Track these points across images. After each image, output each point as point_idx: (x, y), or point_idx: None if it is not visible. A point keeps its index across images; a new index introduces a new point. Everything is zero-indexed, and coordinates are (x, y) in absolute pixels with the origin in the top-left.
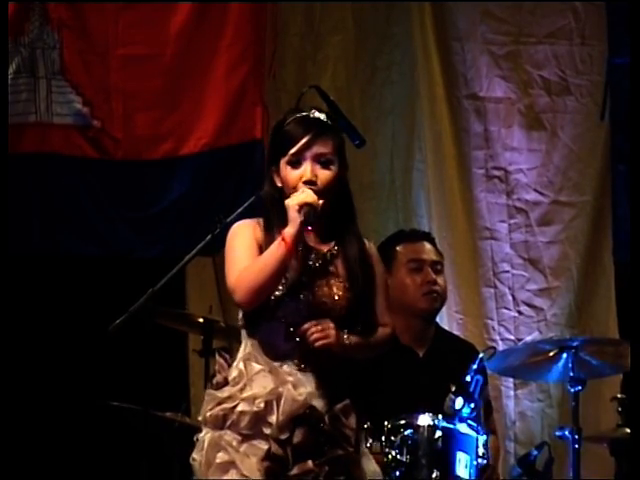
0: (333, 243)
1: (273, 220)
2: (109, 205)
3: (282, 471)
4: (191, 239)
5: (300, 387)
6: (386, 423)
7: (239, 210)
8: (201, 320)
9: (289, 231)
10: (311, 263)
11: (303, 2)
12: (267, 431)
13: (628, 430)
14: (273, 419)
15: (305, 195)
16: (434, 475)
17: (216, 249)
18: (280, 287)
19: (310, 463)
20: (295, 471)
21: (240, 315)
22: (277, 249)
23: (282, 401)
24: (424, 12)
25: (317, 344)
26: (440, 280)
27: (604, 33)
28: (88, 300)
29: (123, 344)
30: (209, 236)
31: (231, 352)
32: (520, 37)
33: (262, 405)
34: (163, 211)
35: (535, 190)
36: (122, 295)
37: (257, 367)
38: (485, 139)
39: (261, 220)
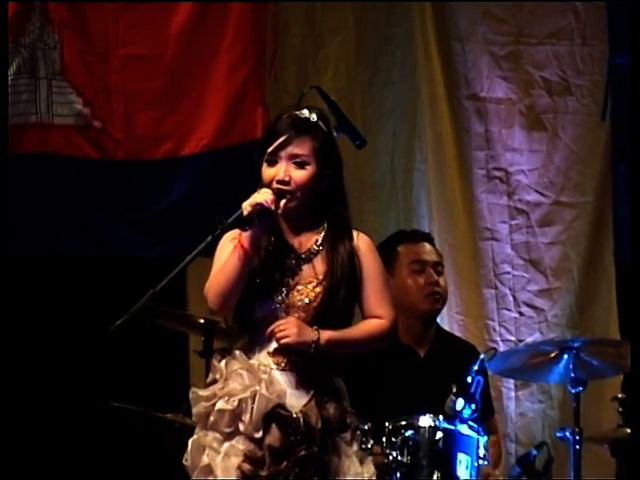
0: (318, 238)
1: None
2: (110, 205)
3: (258, 472)
4: (192, 240)
5: (274, 385)
6: (387, 424)
7: (240, 211)
8: (202, 321)
9: (243, 233)
10: (287, 263)
11: (304, 2)
12: (241, 428)
13: (629, 430)
14: (247, 417)
15: (258, 195)
16: (435, 476)
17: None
18: (255, 287)
19: (283, 464)
20: (267, 471)
21: None
22: (232, 252)
23: (256, 399)
24: (425, 12)
25: (279, 342)
26: (442, 281)
27: (605, 33)
28: (88, 301)
29: (123, 345)
30: (210, 237)
31: (231, 353)
32: (521, 37)
33: (236, 403)
34: (164, 211)
35: (536, 191)
36: (122, 296)
37: (235, 365)
38: (486, 140)
39: None
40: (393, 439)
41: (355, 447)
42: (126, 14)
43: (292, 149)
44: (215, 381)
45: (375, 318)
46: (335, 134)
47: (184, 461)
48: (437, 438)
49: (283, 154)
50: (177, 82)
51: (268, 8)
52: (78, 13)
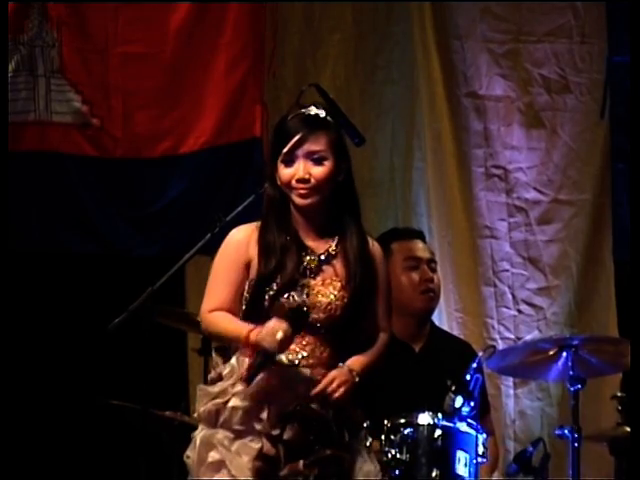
0: (334, 240)
1: (273, 220)
2: (108, 203)
3: (273, 471)
4: (190, 237)
5: (292, 382)
6: (386, 422)
7: (238, 209)
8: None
9: (257, 337)
10: (306, 264)
11: (303, 1)
12: (258, 427)
13: (628, 429)
14: (264, 415)
15: (268, 336)
16: (434, 474)
17: (215, 248)
18: (275, 286)
19: (300, 464)
20: (285, 472)
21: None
22: (237, 336)
23: (274, 397)
24: (424, 11)
25: (334, 398)
26: (435, 278)
27: (604, 31)
28: (87, 298)
29: (122, 343)
30: (208, 235)
31: (229, 350)
32: (520, 35)
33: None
34: (162, 209)
35: (535, 189)
36: (121, 294)
37: (248, 362)
38: (485, 137)
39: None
40: (392, 437)
41: (363, 443)
42: (125, 12)
43: (309, 146)
44: (220, 378)
45: (382, 331)
46: None
47: (185, 457)
48: (436, 436)
49: (300, 152)
50: (176, 80)
51: (267, 7)
52: (77, 11)
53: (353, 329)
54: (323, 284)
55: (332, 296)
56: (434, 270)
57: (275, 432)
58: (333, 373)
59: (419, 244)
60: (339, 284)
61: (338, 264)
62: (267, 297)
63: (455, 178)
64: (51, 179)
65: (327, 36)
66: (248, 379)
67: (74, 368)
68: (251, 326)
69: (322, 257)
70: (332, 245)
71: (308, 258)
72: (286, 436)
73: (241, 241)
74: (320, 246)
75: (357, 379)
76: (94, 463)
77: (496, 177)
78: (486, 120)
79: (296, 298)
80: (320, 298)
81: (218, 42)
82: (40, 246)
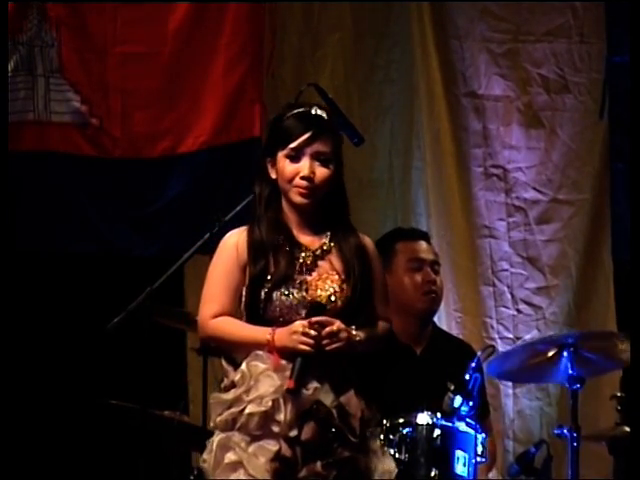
0: (327, 236)
1: (264, 219)
2: (107, 203)
3: (290, 473)
4: (189, 237)
5: (306, 382)
6: (385, 422)
7: (237, 209)
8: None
9: (283, 342)
10: (302, 260)
11: (302, 1)
12: (276, 430)
13: (627, 429)
14: (281, 417)
15: (297, 342)
16: (433, 473)
17: (214, 248)
18: (268, 284)
19: (318, 465)
20: (303, 473)
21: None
22: (255, 340)
23: (289, 398)
24: (423, 10)
25: (328, 348)
26: (438, 281)
27: (603, 31)
28: (86, 298)
29: (121, 343)
30: (207, 234)
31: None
32: (519, 35)
33: (270, 404)
34: (161, 209)
35: (534, 188)
36: (120, 293)
37: (261, 366)
38: (484, 137)
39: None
40: (391, 436)
41: (378, 442)
42: (124, 12)
43: (318, 146)
44: (233, 384)
45: (381, 319)
46: None
47: (201, 462)
48: (435, 435)
49: (308, 150)
50: (174, 80)
51: (266, 7)
52: (76, 11)
53: (353, 322)
54: (320, 279)
55: (332, 289)
56: (437, 272)
57: (293, 433)
58: (337, 321)
59: (423, 245)
60: (337, 277)
61: (334, 259)
62: (262, 296)
63: (454, 178)
64: (50, 179)
65: (326, 36)
66: (295, 389)
67: (73, 368)
68: (269, 330)
69: (317, 253)
70: (325, 241)
71: (303, 255)
72: (304, 436)
73: (236, 244)
74: (314, 242)
75: (356, 339)
76: (93, 463)
77: (495, 177)
78: (485, 120)
79: (295, 295)
80: (319, 293)
81: (217, 42)
82: (39, 246)
